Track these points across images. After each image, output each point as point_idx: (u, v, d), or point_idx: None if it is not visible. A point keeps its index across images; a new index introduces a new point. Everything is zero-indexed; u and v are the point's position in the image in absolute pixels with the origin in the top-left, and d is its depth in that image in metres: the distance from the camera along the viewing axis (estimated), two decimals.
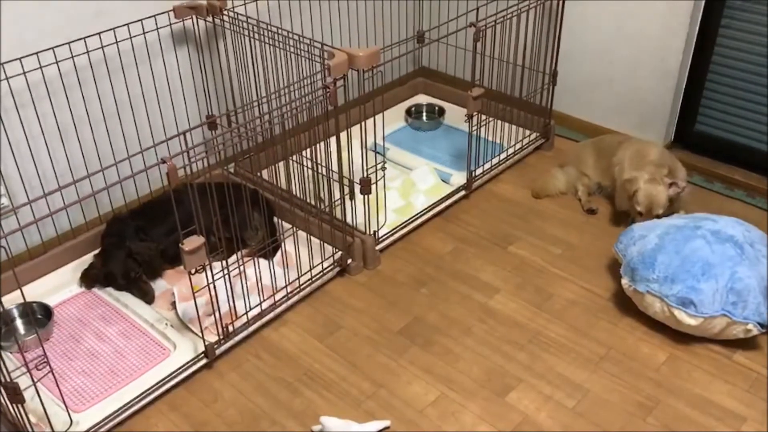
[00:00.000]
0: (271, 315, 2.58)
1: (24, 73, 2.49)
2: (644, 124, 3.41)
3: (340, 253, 2.77)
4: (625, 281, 2.54)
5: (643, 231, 2.59)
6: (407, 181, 3.20)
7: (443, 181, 3.25)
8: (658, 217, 2.79)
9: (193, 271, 2.16)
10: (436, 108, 3.82)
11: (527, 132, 3.50)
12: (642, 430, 2.20)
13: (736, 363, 2.41)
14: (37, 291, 2.65)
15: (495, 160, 3.32)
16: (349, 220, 2.80)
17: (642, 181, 2.83)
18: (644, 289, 2.45)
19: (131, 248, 2.65)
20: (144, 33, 2.77)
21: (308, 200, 2.82)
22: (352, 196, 2.73)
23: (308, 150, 2.57)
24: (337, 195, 2.70)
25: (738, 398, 2.29)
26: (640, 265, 2.47)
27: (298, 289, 2.65)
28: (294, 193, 2.82)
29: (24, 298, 1.99)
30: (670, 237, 2.48)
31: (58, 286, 2.71)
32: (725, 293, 2.34)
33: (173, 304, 2.59)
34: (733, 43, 3.11)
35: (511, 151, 3.40)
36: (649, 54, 3.27)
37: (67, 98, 2.67)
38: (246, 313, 2.49)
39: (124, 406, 2.23)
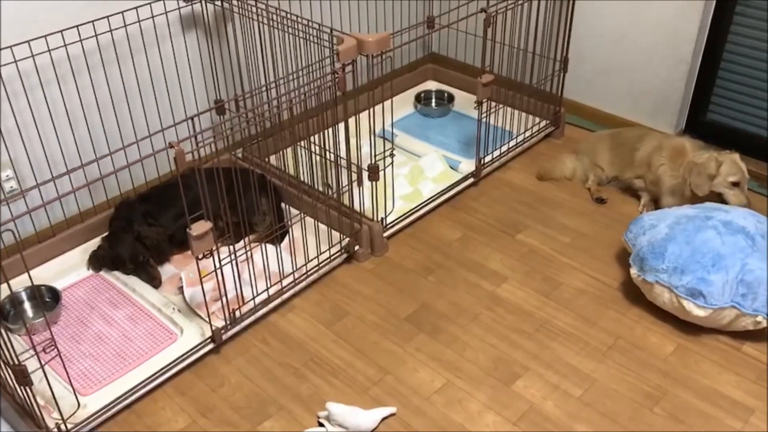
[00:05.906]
0: (278, 301, 2.59)
1: (33, 56, 2.48)
2: (656, 113, 3.38)
3: (347, 239, 2.76)
4: (634, 271, 2.52)
5: (654, 220, 2.57)
6: (415, 168, 3.18)
7: (452, 168, 3.23)
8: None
9: (200, 256, 2.16)
10: (446, 94, 3.80)
11: (537, 119, 3.47)
12: (649, 420, 2.19)
13: (744, 354, 2.40)
14: (45, 274, 2.65)
15: (504, 148, 3.30)
16: (356, 206, 2.79)
17: (717, 155, 2.77)
18: (653, 279, 2.43)
19: (139, 232, 2.65)
20: (153, 17, 2.76)
21: (316, 186, 2.82)
22: (360, 183, 2.72)
23: (316, 136, 2.56)
24: (345, 181, 2.69)
25: (746, 390, 2.28)
26: (650, 255, 2.45)
27: (305, 275, 2.65)
28: (302, 179, 2.81)
29: (32, 281, 1.99)
30: (681, 227, 2.46)
31: (66, 269, 2.72)
32: (735, 285, 2.33)
33: (180, 288, 2.59)
34: (747, 30, 3.06)
35: (520, 138, 3.38)
36: (661, 41, 3.23)
37: (75, 82, 2.66)
38: (253, 298, 2.49)
39: (131, 389, 2.24)
